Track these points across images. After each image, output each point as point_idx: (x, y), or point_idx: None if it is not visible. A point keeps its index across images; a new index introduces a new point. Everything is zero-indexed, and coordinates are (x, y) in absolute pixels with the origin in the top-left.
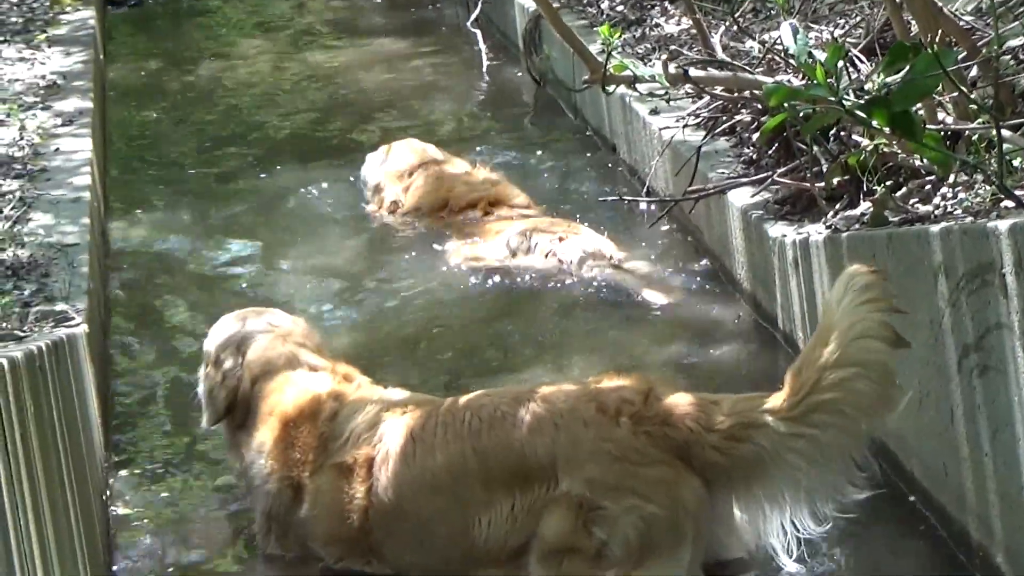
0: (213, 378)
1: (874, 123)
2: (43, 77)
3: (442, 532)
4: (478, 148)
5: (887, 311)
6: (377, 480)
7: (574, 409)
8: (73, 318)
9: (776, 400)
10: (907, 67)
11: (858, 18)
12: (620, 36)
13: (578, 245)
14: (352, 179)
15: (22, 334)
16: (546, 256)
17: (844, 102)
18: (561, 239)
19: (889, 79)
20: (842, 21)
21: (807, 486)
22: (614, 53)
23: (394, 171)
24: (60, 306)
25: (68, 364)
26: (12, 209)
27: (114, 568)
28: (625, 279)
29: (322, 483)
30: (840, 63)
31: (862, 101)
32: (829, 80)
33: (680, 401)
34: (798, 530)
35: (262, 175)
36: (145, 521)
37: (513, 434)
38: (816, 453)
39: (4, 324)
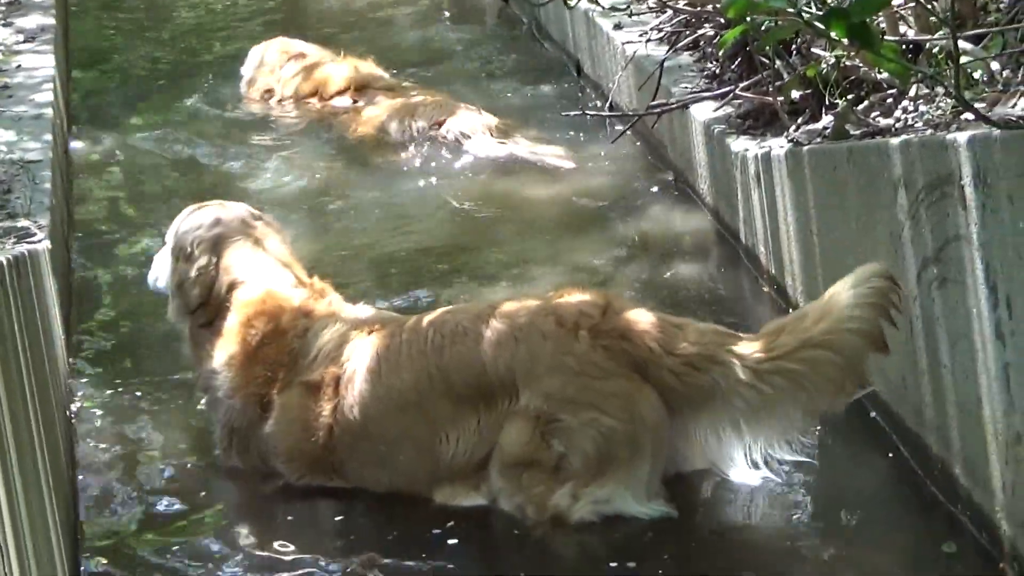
0: (185, 272)
1: (833, 35)
2: None
3: (408, 449)
4: (441, 66)
5: (886, 319)
6: (343, 398)
7: (533, 323)
8: (35, 234)
9: (746, 347)
10: None
11: None
12: None
13: (457, 126)
14: None
15: None
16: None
17: (802, 13)
18: (439, 123)
19: None
20: None
21: (747, 432)
22: None
23: (267, 64)
24: (22, 222)
25: (30, 279)
26: None
27: (78, 478)
28: (520, 151)
29: (288, 400)
30: None
31: (821, 13)
32: None
33: (641, 318)
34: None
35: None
36: (108, 434)
37: (474, 349)
38: (764, 410)
39: None
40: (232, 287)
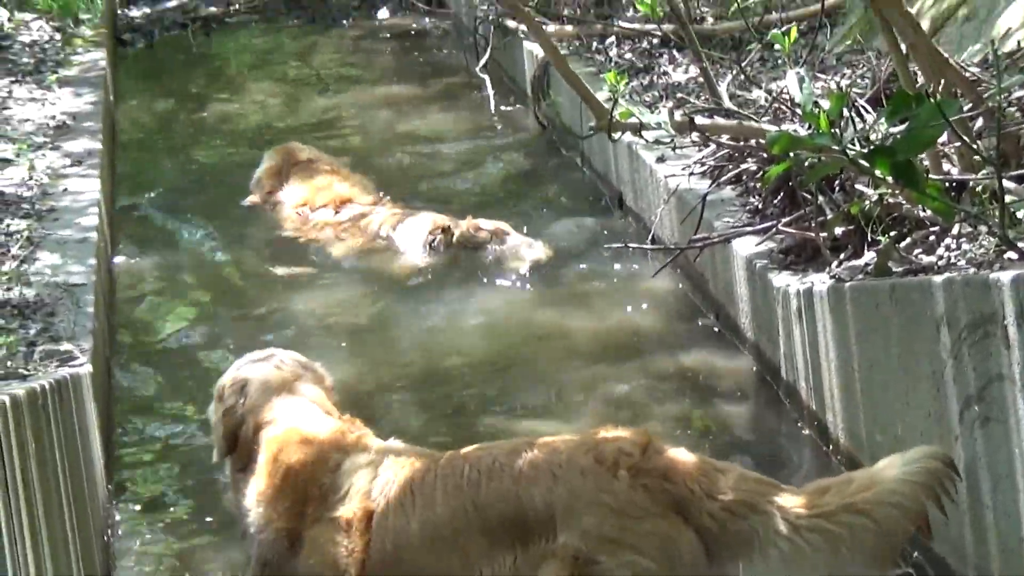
0: (217, 415)
1: (877, 172)
2: (53, 117)
3: None
4: (483, 192)
5: (933, 502)
6: (375, 533)
7: (572, 459)
8: (77, 357)
9: (788, 500)
10: (910, 116)
11: (864, 68)
12: (627, 83)
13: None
14: None
15: (26, 373)
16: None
17: (847, 151)
18: (444, 229)
19: (893, 129)
20: (848, 71)
21: None
22: (620, 100)
23: (270, 166)
24: (65, 345)
25: (71, 402)
26: (20, 248)
27: None
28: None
29: (319, 535)
30: (845, 112)
31: (865, 150)
32: (833, 129)
33: (682, 459)
34: None
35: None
36: (146, 558)
37: (512, 486)
38: (799, 565)
39: (9, 363)
40: (259, 428)
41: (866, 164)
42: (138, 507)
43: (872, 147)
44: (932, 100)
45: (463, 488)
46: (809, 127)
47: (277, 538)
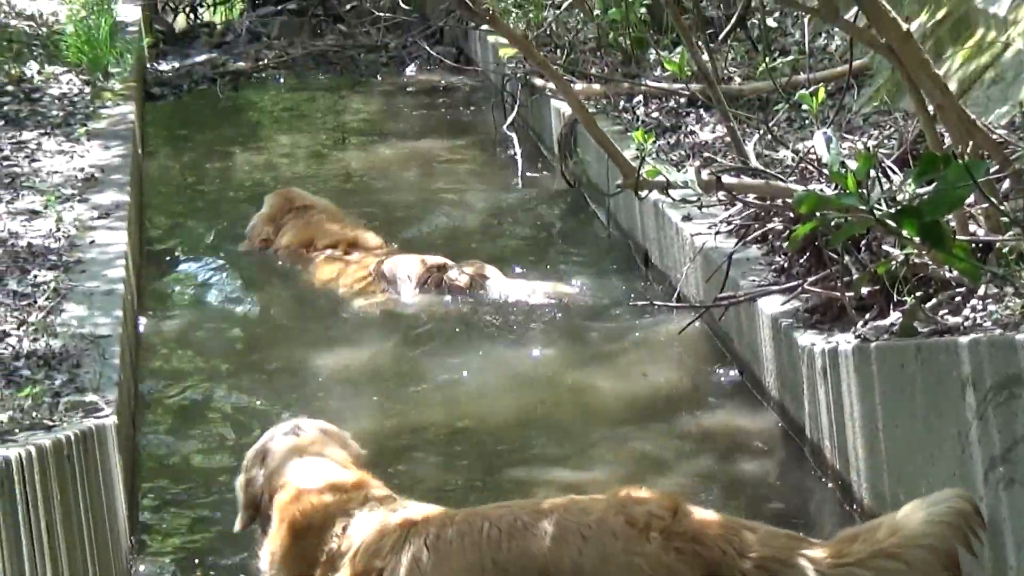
0: (240, 485)
1: (904, 233)
2: (82, 170)
3: None
4: (509, 248)
5: (962, 543)
6: None
7: (602, 521)
8: (102, 409)
9: (818, 552)
10: (938, 177)
11: (892, 129)
12: (654, 142)
13: (462, 270)
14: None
15: (51, 424)
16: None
17: (874, 211)
18: (439, 268)
19: (920, 189)
20: (876, 132)
21: None
22: (648, 158)
23: (266, 213)
24: (90, 397)
25: (96, 454)
26: (46, 300)
27: None
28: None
29: None
30: (872, 173)
31: (892, 211)
32: (860, 189)
33: (711, 519)
34: None
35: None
36: None
37: (536, 545)
38: None
39: (34, 414)
40: (273, 493)
41: (893, 224)
42: (160, 560)
43: (899, 208)
44: (960, 161)
45: (481, 545)
46: (836, 187)
47: None
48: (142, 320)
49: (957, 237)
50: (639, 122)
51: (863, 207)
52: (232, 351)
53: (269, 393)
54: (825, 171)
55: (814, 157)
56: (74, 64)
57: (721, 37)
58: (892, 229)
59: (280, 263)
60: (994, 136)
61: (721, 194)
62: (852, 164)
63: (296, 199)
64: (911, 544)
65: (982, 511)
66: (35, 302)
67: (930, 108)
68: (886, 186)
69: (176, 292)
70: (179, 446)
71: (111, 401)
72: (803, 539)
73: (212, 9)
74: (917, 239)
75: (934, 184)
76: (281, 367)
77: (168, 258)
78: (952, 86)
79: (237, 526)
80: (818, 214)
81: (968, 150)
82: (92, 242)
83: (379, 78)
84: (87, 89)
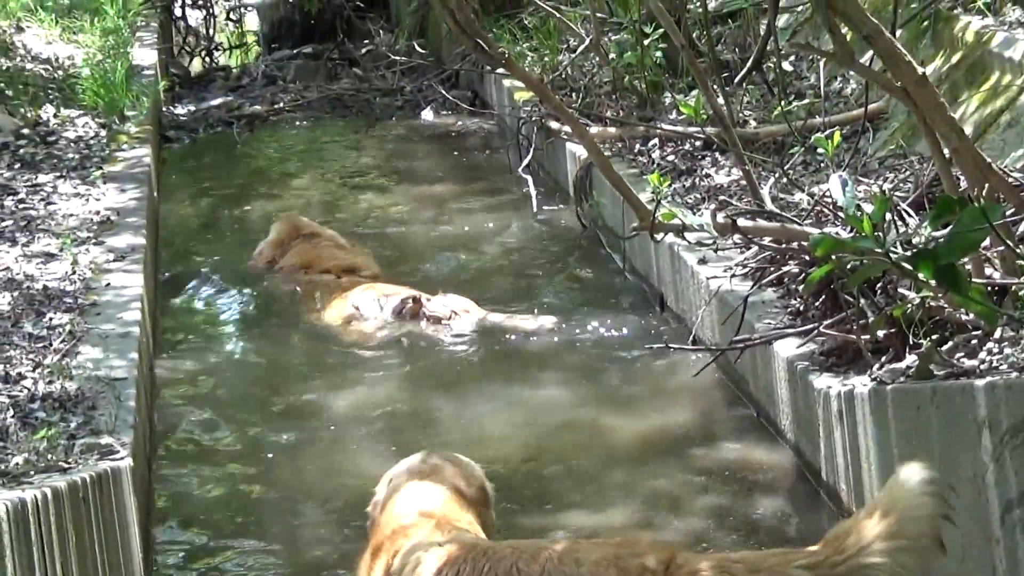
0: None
1: (920, 276)
2: (97, 213)
3: None
4: (524, 290)
5: (942, 511)
6: None
7: (594, 572)
8: (118, 451)
9: (814, 557)
10: (954, 220)
11: (907, 172)
12: (670, 185)
13: (440, 302)
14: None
15: (67, 466)
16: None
17: (890, 254)
18: (415, 299)
19: (936, 232)
20: (891, 175)
21: None
22: (663, 201)
23: (274, 239)
24: (105, 439)
25: (111, 496)
26: (61, 342)
27: None
28: (500, 324)
29: None
30: (888, 216)
31: (908, 254)
32: (876, 233)
33: (701, 565)
34: None
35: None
36: None
37: None
38: None
39: (50, 456)
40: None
41: (909, 267)
42: None
43: (915, 251)
44: (975, 204)
45: None
46: (852, 230)
47: None
48: (157, 363)
49: (973, 280)
50: (654, 165)
51: (879, 250)
52: (246, 393)
53: (281, 434)
54: (841, 214)
55: (829, 200)
56: (90, 107)
57: (736, 81)
58: (908, 272)
59: (284, 288)
60: (1010, 179)
61: (737, 237)
62: (868, 207)
63: (303, 226)
64: (908, 517)
65: (999, 553)
66: (50, 344)
67: (946, 152)
68: (902, 229)
69: (192, 334)
70: (194, 488)
71: (126, 443)
72: (794, 551)
73: (228, 53)
74: (933, 282)
75: (950, 227)
76: (294, 407)
77: (183, 300)
78: (968, 130)
79: None
80: (834, 257)
81: (984, 193)
82: (108, 285)
83: (395, 121)
84: (103, 132)
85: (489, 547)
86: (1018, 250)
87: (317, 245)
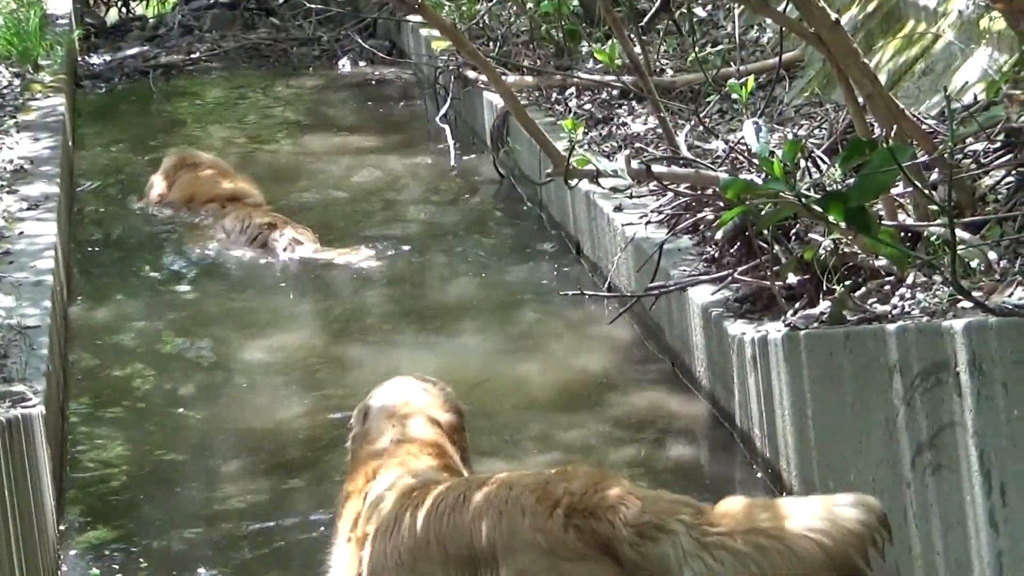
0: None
1: (830, 218)
2: (11, 162)
3: None
4: (440, 239)
5: (860, 555)
6: (368, 555)
7: (517, 497)
8: (30, 399)
9: (698, 516)
10: (864, 163)
11: (822, 120)
12: (586, 133)
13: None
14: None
15: None
16: (255, 239)
17: (800, 196)
18: (271, 224)
19: (847, 176)
20: (806, 123)
21: None
22: (578, 148)
23: (160, 172)
24: (17, 387)
25: (23, 443)
26: None
27: None
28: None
29: (342, 554)
30: (802, 162)
31: (818, 196)
32: (787, 176)
33: (614, 493)
34: None
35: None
36: None
37: (465, 519)
38: None
39: None
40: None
41: (819, 210)
42: (87, 549)
43: (825, 192)
44: (885, 146)
45: (430, 518)
46: (765, 176)
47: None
48: (72, 311)
49: (884, 223)
50: (571, 113)
51: (790, 192)
52: (160, 339)
53: (194, 378)
54: (755, 161)
55: (745, 148)
56: (3, 56)
57: (643, 23)
58: (818, 214)
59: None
60: (923, 126)
61: (652, 184)
62: (782, 152)
63: (188, 157)
64: (798, 532)
65: (909, 499)
66: None
67: (859, 98)
68: (816, 175)
69: (106, 282)
70: (108, 436)
71: (39, 391)
72: (687, 503)
73: (145, 3)
74: (843, 224)
75: (860, 170)
76: (208, 354)
77: (98, 248)
78: (882, 78)
79: None
80: (746, 200)
81: (896, 137)
82: (21, 233)
83: (312, 71)
84: (16, 81)
85: (447, 481)
86: (929, 194)
87: (200, 176)
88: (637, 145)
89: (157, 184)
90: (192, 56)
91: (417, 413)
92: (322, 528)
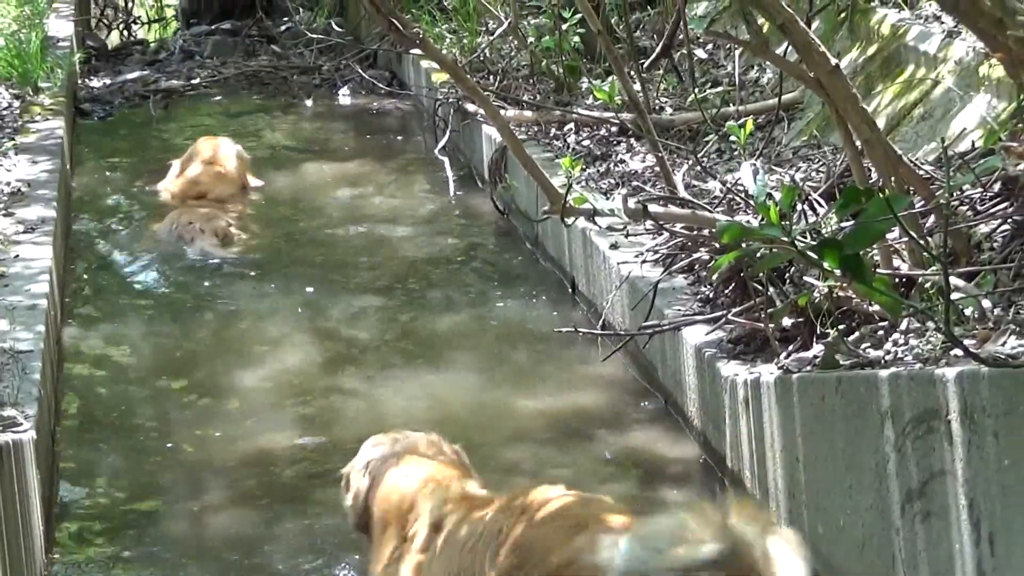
0: (346, 499)
1: (825, 265)
2: (8, 184)
3: None
4: (434, 271)
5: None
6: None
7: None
8: (21, 424)
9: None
10: (861, 211)
11: (820, 163)
12: (583, 170)
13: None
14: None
15: None
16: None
17: (796, 242)
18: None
19: (843, 222)
20: (804, 165)
21: None
22: (575, 185)
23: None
24: (8, 411)
25: (13, 468)
26: None
27: None
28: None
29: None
30: (798, 206)
31: (814, 243)
32: (784, 221)
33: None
34: None
35: (219, 291)
36: None
37: (487, 560)
38: None
39: None
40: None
41: (814, 256)
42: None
43: (821, 239)
44: (881, 195)
45: (463, 550)
46: (762, 219)
47: None
48: (66, 335)
49: (879, 271)
50: (570, 150)
51: (785, 238)
52: (154, 365)
53: (185, 406)
54: (752, 203)
55: (742, 189)
56: (3, 78)
57: (646, 64)
58: (813, 261)
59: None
60: (920, 171)
61: (648, 223)
62: (779, 196)
63: (202, 148)
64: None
65: (898, 543)
66: None
67: (857, 143)
68: (812, 219)
69: (102, 308)
70: (99, 462)
71: (30, 416)
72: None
73: (146, 27)
74: (838, 271)
75: (856, 217)
76: (201, 379)
77: (94, 273)
78: (881, 122)
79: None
80: (743, 245)
81: (893, 185)
82: (16, 256)
83: (312, 100)
84: (16, 103)
85: (497, 506)
86: (923, 241)
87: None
88: (635, 183)
89: (172, 171)
90: (192, 81)
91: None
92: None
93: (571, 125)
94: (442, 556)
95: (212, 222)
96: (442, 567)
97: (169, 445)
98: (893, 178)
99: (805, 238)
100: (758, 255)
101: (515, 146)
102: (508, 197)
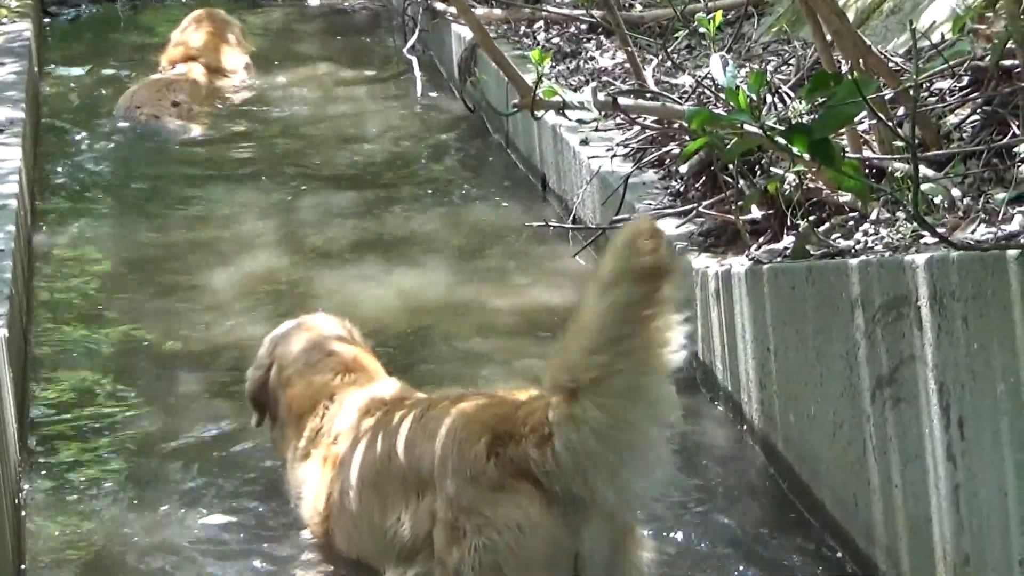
0: (250, 376)
1: (794, 150)
2: None
3: (365, 526)
4: (406, 169)
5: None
6: (337, 471)
7: (454, 423)
8: None
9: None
10: (829, 95)
11: (790, 57)
12: (554, 66)
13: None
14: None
15: None
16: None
17: (764, 128)
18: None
19: (812, 107)
20: (774, 59)
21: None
22: (544, 79)
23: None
24: None
25: None
26: None
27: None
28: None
29: (306, 472)
30: (768, 97)
31: (783, 128)
32: (753, 108)
33: (537, 415)
34: None
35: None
36: (58, 526)
37: (418, 439)
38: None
39: None
40: (284, 383)
41: (783, 141)
42: (50, 474)
43: (790, 124)
44: (849, 79)
45: (391, 435)
46: (730, 105)
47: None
48: (36, 235)
49: (847, 155)
50: (540, 47)
51: (754, 124)
52: (124, 261)
53: (158, 304)
54: (722, 95)
55: (712, 82)
56: None
57: None
58: (782, 146)
59: None
60: (890, 63)
61: (619, 118)
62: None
63: (204, 16)
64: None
65: (869, 429)
66: None
67: (827, 34)
68: (781, 109)
69: (71, 207)
70: (71, 360)
71: (2, 314)
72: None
73: None
74: (807, 156)
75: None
76: (173, 277)
77: (63, 173)
78: (851, 16)
79: (254, 423)
80: (711, 132)
81: (861, 71)
82: None
83: (281, 1)
84: None
85: (418, 397)
86: (891, 125)
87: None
88: (604, 79)
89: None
90: None
91: (343, 341)
92: None
93: (540, 23)
94: (357, 449)
95: (158, 104)
96: (356, 457)
97: (145, 343)
98: (863, 66)
99: (774, 125)
100: (727, 144)
101: (486, 42)
102: (478, 95)
